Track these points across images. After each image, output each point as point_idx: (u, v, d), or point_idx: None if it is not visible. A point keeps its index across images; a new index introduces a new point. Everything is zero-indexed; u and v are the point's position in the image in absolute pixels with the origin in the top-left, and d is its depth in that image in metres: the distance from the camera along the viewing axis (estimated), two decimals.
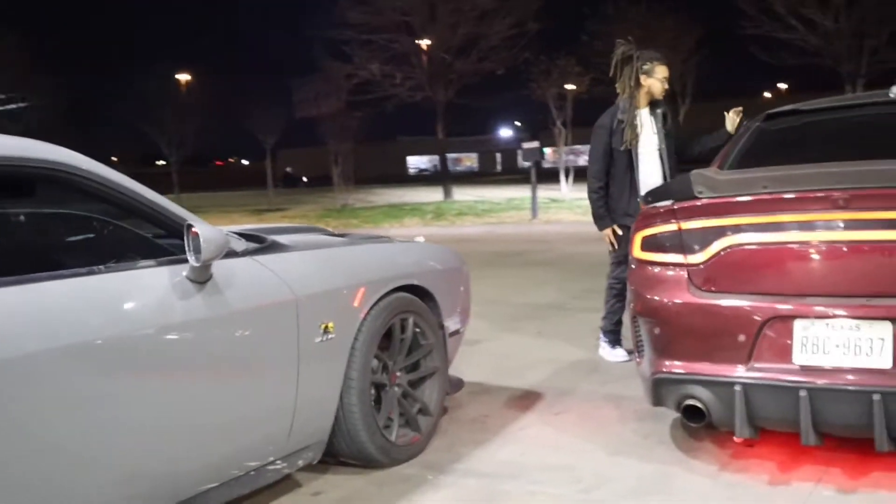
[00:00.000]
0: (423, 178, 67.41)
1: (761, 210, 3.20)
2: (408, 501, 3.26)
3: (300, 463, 3.19)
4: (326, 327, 3.18)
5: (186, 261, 2.66)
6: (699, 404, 3.25)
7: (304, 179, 26.58)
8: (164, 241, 2.85)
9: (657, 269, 3.43)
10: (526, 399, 4.54)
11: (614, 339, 5.26)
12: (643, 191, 4.83)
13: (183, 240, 2.67)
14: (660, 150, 5.03)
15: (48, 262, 2.46)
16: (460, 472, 3.54)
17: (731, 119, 5.08)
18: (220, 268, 2.77)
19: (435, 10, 29.39)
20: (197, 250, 2.59)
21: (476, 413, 4.31)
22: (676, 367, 3.31)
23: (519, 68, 27.91)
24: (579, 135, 30.81)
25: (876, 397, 2.87)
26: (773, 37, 26.96)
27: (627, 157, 4.99)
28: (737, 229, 3.22)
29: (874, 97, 4.05)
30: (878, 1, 25.56)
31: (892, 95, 3.86)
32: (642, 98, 5.05)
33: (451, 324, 4.05)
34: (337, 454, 3.43)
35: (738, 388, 3.12)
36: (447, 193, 28.71)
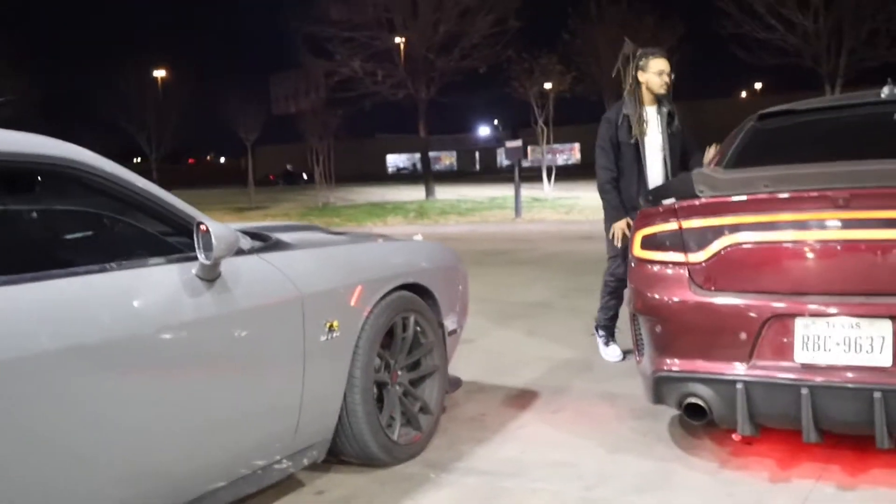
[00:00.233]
0: (402, 177, 67.37)
1: (762, 209, 3.23)
2: (411, 500, 3.27)
3: (305, 462, 3.19)
4: (331, 325, 3.18)
5: (195, 258, 2.65)
6: (700, 402, 3.28)
7: (305, 177, 26.41)
8: (172, 239, 2.83)
9: (658, 268, 3.45)
10: (522, 397, 4.56)
11: (608, 335, 5.28)
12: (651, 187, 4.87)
13: (191, 237, 2.67)
14: (663, 150, 5.01)
15: (60, 259, 2.44)
16: (462, 470, 3.55)
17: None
18: (227, 265, 2.77)
19: (417, 7, 29.35)
20: (208, 248, 2.59)
21: (474, 411, 4.33)
22: (678, 365, 3.34)
23: (501, 66, 27.97)
24: (561, 133, 30.98)
25: (877, 395, 2.91)
26: (753, 36, 27.16)
27: (634, 150, 4.97)
28: (738, 228, 3.25)
29: (866, 97, 4.09)
30: (856, 1, 25.86)
31: (883, 96, 3.92)
32: (644, 94, 5.02)
33: (450, 322, 4.06)
34: (340, 453, 3.44)
35: (739, 385, 3.15)
36: (429, 192, 28.71)
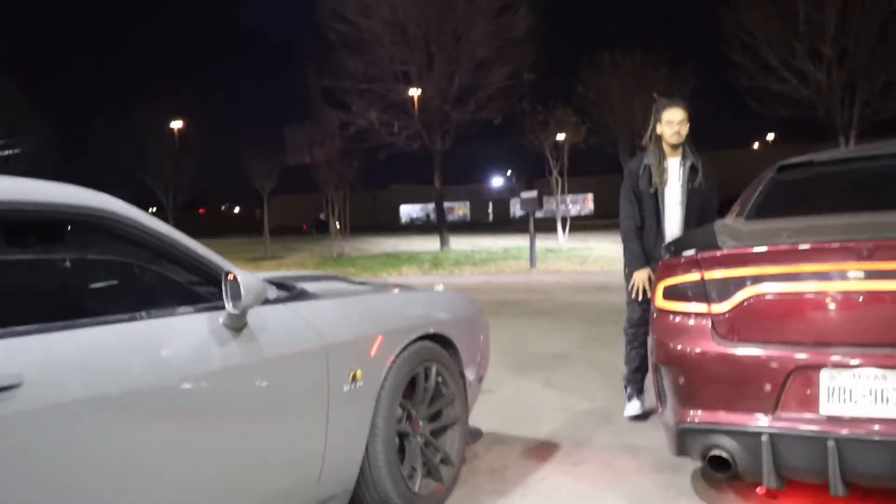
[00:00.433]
0: (416, 227, 67.60)
1: (785, 260, 3.23)
2: None
3: None
4: (355, 375, 3.19)
5: (222, 307, 2.68)
6: (725, 455, 3.25)
7: (338, 225, 26.49)
8: (200, 288, 2.86)
9: (680, 319, 3.45)
10: (542, 449, 4.53)
11: (632, 389, 5.16)
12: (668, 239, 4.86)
13: (219, 286, 2.69)
14: (682, 203, 4.96)
15: (92, 308, 2.47)
16: None
17: None
18: (254, 315, 2.79)
19: (432, 60, 29.68)
20: (236, 297, 2.61)
21: (494, 463, 4.30)
22: (701, 417, 3.31)
23: (515, 118, 28.13)
24: (574, 184, 31.05)
25: None
26: (767, 88, 27.30)
27: (654, 201, 4.95)
28: (761, 279, 3.24)
29: (885, 148, 4.12)
30: (868, 54, 25.99)
31: None
32: (664, 146, 5.00)
33: (471, 373, 4.06)
34: (361, 503, 3.42)
35: (764, 438, 3.12)
36: (444, 242, 28.76)
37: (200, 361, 2.60)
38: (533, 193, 19.05)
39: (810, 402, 3.09)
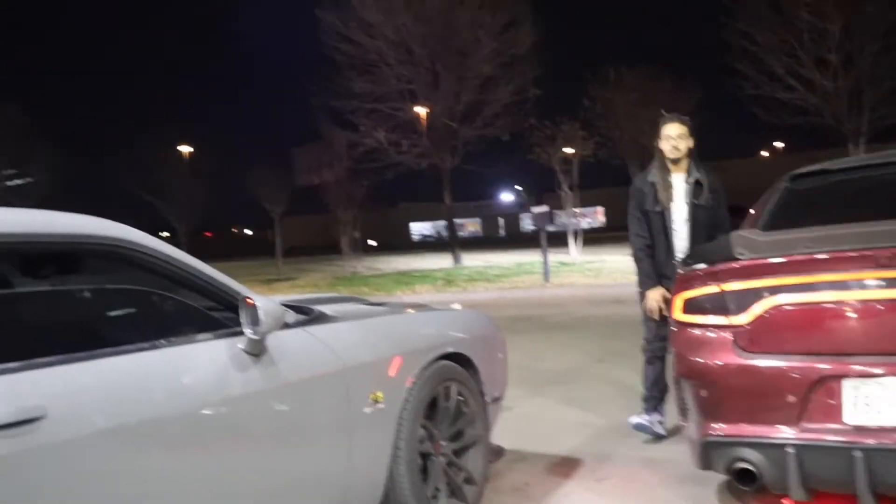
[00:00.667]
0: (427, 245, 67.64)
1: (804, 270, 3.21)
2: None
3: None
4: (375, 397, 3.18)
5: (241, 333, 2.68)
6: (750, 467, 3.22)
7: (373, 243, 26.44)
8: (218, 314, 2.86)
9: (700, 331, 3.43)
10: (565, 465, 4.51)
11: (647, 406, 5.02)
12: (678, 255, 4.83)
13: (237, 312, 2.69)
14: (688, 220, 4.88)
15: (112, 337, 2.47)
16: None
17: None
18: (273, 339, 2.79)
19: (438, 79, 29.84)
20: (255, 322, 2.62)
21: (517, 481, 4.28)
22: (725, 429, 3.29)
23: (523, 133, 28.19)
24: (585, 197, 31.03)
25: None
26: (773, 96, 27.25)
27: (661, 219, 4.90)
28: (780, 290, 3.22)
29: None
30: (874, 60, 25.96)
31: None
32: (666, 162, 4.95)
33: (491, 391, 4.04)
34: None
35: (790, 449, 3.09)
36: (456, 259, 28.78)
37: (221, 388, 2.60)
38: (543, 208, 19.12)
39: (835, 413, 3.07)
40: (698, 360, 3.39)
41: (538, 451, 4.82)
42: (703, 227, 4.87)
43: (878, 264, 3.05)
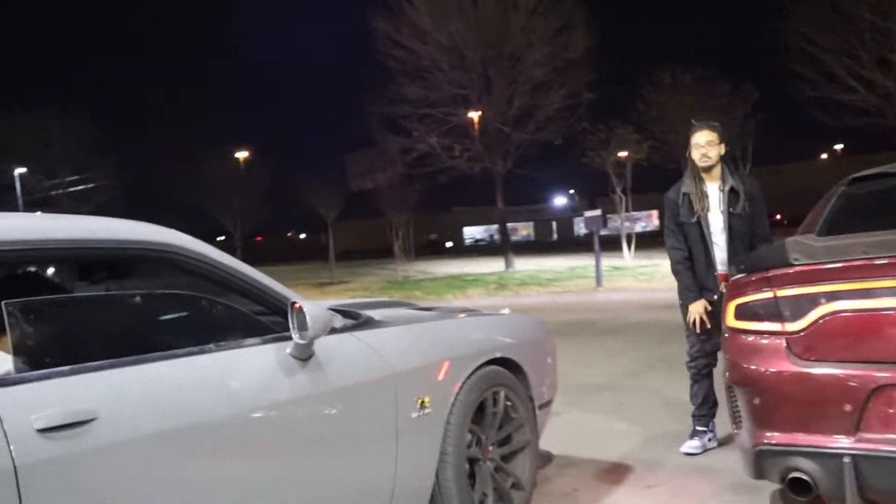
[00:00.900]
0: (480, 248, 67.64)
1: (862, 275, 3.13)
2: None
3: None
4: (423, 402, 3.17)
5: (289, 338, 2.69)
6: (805, 477, 3.15)
7: (449, 244, 26.51)
8: (266, 319, 2.89)
9: (753, 338, 3.37)
10: (615, 472, 4.46)
11: (700, 425, 4.87)
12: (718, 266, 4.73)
13: (285, 317, 2.71)
14: (725, 230, 4.74)
15: (162, 342, 2.51)
16: None
17: None
18: (321, 344, 2.80)
19: (490, 84, 29.81)
20: (303, 327, 2.63)
21: (566, 487, 4.24)
22: (779, 438, 3.22)
23: (576, 137, 28.03)
24: (639, 201, 30.78)
25: None
26: (833, 98, 26.73)
27: (698, 229, 4.76)
28: (837, 296, 3.15)
29: None
30: None
31: None
32: (699, 171, 4.82)
33: (539, 396, 4.01)
34: None
35: (846, 459, 3.02)
36: (508, 263, 28.71)
37: (269, 392, 2.62)
38: (597, 212, 18.97)
39: (894, 422, 2.99)
40: (751, 367, 3.33)
41: (588, 456, 4.78)
42: (741, 237, 4.74)
43: None
